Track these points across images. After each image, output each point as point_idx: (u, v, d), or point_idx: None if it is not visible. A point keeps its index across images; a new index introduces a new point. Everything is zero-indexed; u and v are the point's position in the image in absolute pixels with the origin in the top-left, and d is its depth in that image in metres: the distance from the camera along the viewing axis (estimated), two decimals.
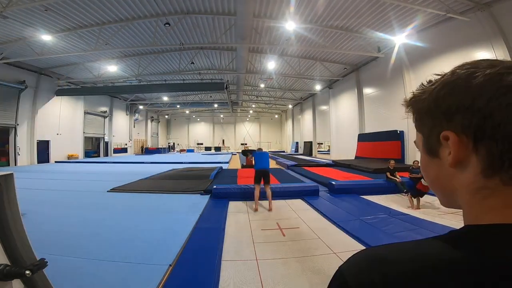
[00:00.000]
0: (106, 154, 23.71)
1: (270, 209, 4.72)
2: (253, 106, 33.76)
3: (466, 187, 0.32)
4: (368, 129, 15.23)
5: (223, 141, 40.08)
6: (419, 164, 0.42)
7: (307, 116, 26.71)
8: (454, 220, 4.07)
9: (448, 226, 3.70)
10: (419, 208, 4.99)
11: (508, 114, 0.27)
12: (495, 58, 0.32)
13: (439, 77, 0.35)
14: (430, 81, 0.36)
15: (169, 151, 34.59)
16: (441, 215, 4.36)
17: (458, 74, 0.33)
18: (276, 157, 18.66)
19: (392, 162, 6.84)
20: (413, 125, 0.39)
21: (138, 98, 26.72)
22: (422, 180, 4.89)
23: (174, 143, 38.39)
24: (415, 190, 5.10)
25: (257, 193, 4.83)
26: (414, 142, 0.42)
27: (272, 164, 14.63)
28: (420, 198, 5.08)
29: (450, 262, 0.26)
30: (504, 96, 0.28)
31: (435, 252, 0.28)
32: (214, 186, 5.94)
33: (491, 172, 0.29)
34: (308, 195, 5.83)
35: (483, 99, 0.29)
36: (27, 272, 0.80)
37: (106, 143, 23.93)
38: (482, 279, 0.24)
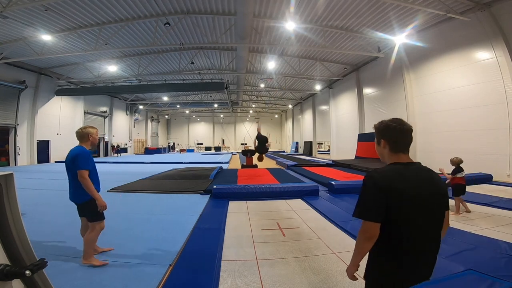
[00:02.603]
0: (106, 154, 23.72)
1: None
2: (253, 106, 33.75)
3: (386, 154, 1.23)
4: (368, 129, 15.23)
5: (223, 141, 40.08)
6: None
7: (307, 116, 26.71)
8: (454, 219, 4.08)
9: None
10: (469, 211, 4.47)
11: (393, 135, 1.19)
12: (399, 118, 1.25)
13: (381, 122, 1.25)
14: (381, 122, 1.25)
15: (169, 151, 34.60)
16: None
17: (387, 123, 1.22)
18: (276, 157, 18.66)
19: None
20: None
21: (138, 98, 26.72)
22: (458, 174, 4.55)
23: (174, 143, 38.39)
24: (454, 188, 4.58)
25: None
26: (375, 140, 1.30)
27: (272, 164, 14.67)
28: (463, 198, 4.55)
29: (391, 170, 1.15)
30: (395, 131, 1.19)
31: (390, 168, 1.16)
32: (214, 186, 5.93)
33: (391, 150, 1.20)
34: (308, 195, 5.83)
35: (391, 132, 1.19)
36: (27, 272, 0.80)
37: (106, 143, 23.94)
38: (393, 172, 1.14)
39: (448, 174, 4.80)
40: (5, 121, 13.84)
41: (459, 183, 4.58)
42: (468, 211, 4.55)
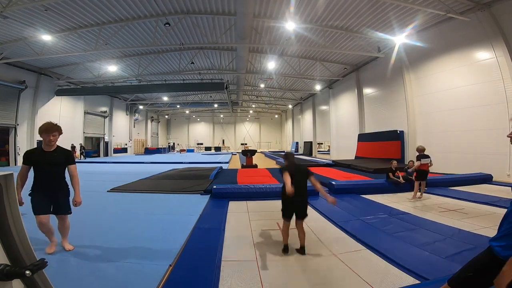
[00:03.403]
0: (106, 154, 23.73)
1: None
2: (253, 106, 33.75)
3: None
4: (368, 129, 15.23)
5: (223, 141, 40.08)
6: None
7: (307, 116, 26.71)
8: (454, 218, 4.07)
9: (447, 225, 3.70)
10: (421, 197, 5.49)
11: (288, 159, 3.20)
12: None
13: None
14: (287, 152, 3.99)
15: (169, 151, 34.59)
16: (442, 213, 4.36)
17: (287, 153, 3.31)
18: (276, 157, 18.65)
19: (395, 162, 6.84)
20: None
21: (138, 98, 26.72)
22: (425, 160, 5.50)
23: (174, 143, 38.39)
24: (418, 173, 5.55)
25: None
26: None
27: (272, 164, 14.66)
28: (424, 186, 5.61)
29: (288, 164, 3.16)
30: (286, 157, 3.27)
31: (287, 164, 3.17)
32: (214, 186, 5.93)
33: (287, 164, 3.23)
34: (308, 195, 5.81)
35: (289, 158, 3.20)
36: (27, 272, 0.80)
37: (106, 143, 23.94)
38: (288, 165, 3.11)
39: (411, 161, 6.39)
40: (5, 121, 13.84)
41: (421, 169, 5.49)
42: (420, 197, 5.49)
